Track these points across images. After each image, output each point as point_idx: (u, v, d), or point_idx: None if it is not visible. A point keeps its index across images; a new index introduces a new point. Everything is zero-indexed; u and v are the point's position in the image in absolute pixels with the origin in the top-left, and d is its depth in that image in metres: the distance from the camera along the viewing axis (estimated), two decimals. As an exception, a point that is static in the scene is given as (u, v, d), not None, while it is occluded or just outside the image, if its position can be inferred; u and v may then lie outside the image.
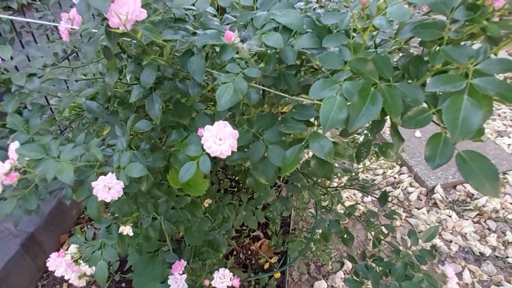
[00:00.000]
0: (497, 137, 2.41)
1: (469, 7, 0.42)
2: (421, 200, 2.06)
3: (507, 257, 1.74)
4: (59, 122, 1.00)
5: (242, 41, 0.55)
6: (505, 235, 1.84)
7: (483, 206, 1.96)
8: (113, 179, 0.65)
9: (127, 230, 0.86)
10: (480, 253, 1.77)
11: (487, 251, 1.76)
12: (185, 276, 0.98)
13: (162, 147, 0.88)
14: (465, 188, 2.08)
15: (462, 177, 0.45)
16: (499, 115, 2.60)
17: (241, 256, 1.70)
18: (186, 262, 1.01)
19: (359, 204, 2.06)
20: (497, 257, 1.76)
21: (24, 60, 0.83)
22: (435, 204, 2.03)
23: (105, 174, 0.67)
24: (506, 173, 2.13)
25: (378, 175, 2.21)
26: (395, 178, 2.18)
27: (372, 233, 1.07)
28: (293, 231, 1.77)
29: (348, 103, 0.46)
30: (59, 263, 0.78)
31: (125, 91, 0.84)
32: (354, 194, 2.11)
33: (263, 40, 0.53)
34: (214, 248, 1.21)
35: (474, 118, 0.38)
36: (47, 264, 0.79)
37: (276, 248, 1.72)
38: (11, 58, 0.77)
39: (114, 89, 0.84)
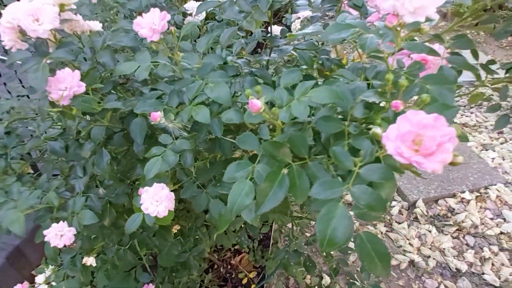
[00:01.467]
0: (482, 150, 2.43)
1: (366, 106, 0.45)
2: (402, 215, 2.09)
3: (483, 273, 1.77)
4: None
5: (177, 113, 0.58)
6: (483, 251, 1.87)
7: (462, 222, 1.99)
8: (65, 227, 0.70)
9: (90, 261, 0.92)
10: (456, 269, 1.80)
11: (464, 267, 1.79)
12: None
13: (127, 180, 0.92)
14: (447, 202, 2.11)
15: (358, 257, 0.49)
16: (486, 128, 2.61)
17: (221, 270, 1.76)
18: (154, 286, 1.06)
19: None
20: (473, 273, 1.80)
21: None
22: (416, 218, 2.06)
23: (60, 219, 0.72)
24: (488, 188, 2.15)
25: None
26: (378, 191, 2.20)
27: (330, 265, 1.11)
28: (272, 246, 1.82)
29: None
30: (23, 296, 0.84)
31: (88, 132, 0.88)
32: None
33: (192, 114, 0.57)
34: (186, 268, 1.26)
35: (342, 229, 0.40)
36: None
37: (256, 263, 1.77)
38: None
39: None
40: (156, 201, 0.61)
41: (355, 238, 0.52)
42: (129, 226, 0.66)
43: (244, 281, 1.68)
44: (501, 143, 2.49)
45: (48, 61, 0.61)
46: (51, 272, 0.94)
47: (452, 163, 0.32)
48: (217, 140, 0.63)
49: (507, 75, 0.65)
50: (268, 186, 0.48)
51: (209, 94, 0.58)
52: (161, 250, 1.18)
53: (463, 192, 2.13)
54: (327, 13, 0.83)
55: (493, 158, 2.35)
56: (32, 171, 1.08)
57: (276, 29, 1.11)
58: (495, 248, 1.86)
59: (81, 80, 0.64)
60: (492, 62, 0.68)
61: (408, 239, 1.97)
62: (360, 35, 0.46)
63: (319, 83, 0.53)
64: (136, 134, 0.63)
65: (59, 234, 0.70)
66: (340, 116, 0.53)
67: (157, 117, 0.53)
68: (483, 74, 0.73)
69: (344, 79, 0.53)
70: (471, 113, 2.82)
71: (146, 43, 0.72)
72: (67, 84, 0.57)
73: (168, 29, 0.60)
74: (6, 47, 0.62)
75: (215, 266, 1.77)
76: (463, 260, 1.83)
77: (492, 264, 1.80)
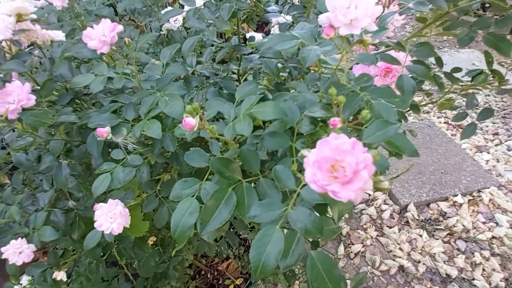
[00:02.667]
0: (476, 152, 2.40)
1: (312, 121, 0.43)
2: (393, 219, 2.07)
3: (473, 279, 1.75)
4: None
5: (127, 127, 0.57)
6: (474, 256, 1.84)
7: (454, 226, 1.96)
8: (23, 243, 0.68)
9: (61, 275, 0.90)
10: (446, 274, 1.78)
11: (454, 273, 1.77)
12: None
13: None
14: (438, 206, 2.08)
15: (308, 276, 0.47)
16: (481, 129, 2.58)
17: (208, 276, 1.74)
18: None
19: (331, 221, 2.07)
20: (463, 279, 1.77)
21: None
22: (407, 222, 2.04)
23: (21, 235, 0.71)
24: (481, 191, 2.13)
25: (352, 191, 2.22)
26: (369, 195, 2.18)
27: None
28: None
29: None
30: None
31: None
32: (327, 212, 2.12)
33: (144, 129, 0.55)
34: (166, 278, 1.25)
35: (276, 254, 0.38)
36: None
37: (243, 269, 1.75)
38: None
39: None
40: (110, 218, 0.59)
41: (308, 257, 0.50)
42: (87, 243, 0.65)
43: (231, 287, 1.66)
44: (496, 145, 2.46)
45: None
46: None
47: (378, 189, 0.30)
48: (174, 154, 0.61)
49: (472, 82, 0.63)
50: (214, 204, 0.46)
51: (162, 108, 0.56)
52: (139, 261, 1.17)
53: (456, 195, 2.11)
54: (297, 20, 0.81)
55: (487, 161, 2.32)
56: (9, 181, 1.07)
57: (258, 37, 1.10)
58: (487, 253, 1.83)
59: (37, 92, 0.62)
60: (458, 69, 0.66)
61: (398, 244, 1.94)
62: (304, 47, 0.44)
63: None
64: (93, 148, 0.62)
65: (17, 251, 0.68)
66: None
67: (103, 133, 0.51)
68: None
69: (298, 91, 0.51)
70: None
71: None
72: (15, 97, 0.56)
73: (122, 39, 0.58)
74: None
75: (202, 272, 1.75)
76: (453, 265, 1.81)
77: (483, 270, 1.77)
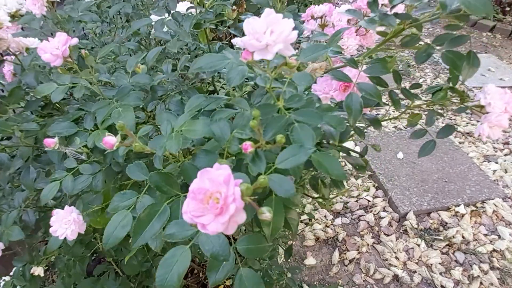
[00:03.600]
0: (484, 161, 2.33)
1: (240, 142, 0.44)
2: (391, 227, 2.03)
3: (470, 293, 1.71)
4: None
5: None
6: (472, 269, 1.79)
7: (453, 237, 1.91)
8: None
9: (38, 271, 0.93)
10: (442, 286, 1.74)
11: (450, 285, 1.73)
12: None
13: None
14: (439, 216, 2.04)
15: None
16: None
17: (200, 275, 1.76)
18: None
19: (328, 226, 2.06)
20: (459, 292, 1.73)
21: None
22: (405, 231, 2.00)
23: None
24: (485, 202, 2.06)
25: (352, 197, 2.19)
26: (369, 201, 2.16)
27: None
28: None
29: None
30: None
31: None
32: (325, 216, 2.11)
33: (95, 140, 0.56)
34: (151, 277, 1.27)
35: (181, 273, 0.38)
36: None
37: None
38: None
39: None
40: (65, 224, 0.61)
41: (236, 274, 0.50)
42: (50, 246, 0.67)
43: (221, 287, 1.68)
44: (505, 155, 2.38)
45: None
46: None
47: (261, 220, 0.30)
48: (124, 165, 0.63)
49: (428, 99, 0.61)
50: (147, 218, 0.47)
51: (114, 119, 0.58)
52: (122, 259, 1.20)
53: (458, 205, 2.05)
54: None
55: (494, 171, 2.25)
56: None
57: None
58: (486, 266, 1.78)
59: (5, 98, 0.65)
60: (417, 85, 0.64)
61: (395, 252, 1.91)
62: (233, 68, 0.44)
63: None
64: (53, 156, 0.64)
65: (-15, 249, 0.72)
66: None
67: (50, 143, 0.53)
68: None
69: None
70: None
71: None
72: (-24, 106, 0.59)
73: (79, 52, 0.60)
74: None
75: (195, 271, 1.77)
76: (450, 278, 1.77)
77: (481, 283, 1.72)
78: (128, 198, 0.50)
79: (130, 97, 0.63)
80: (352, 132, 0.70)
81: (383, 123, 0.75)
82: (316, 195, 0.82)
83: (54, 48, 0.56)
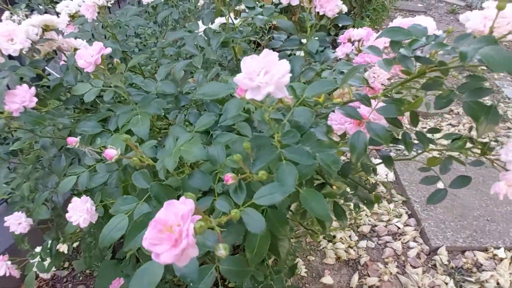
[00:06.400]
0: (535, 205, 2.13)
1: (232, 169, 0.46)
2: (419, 259, 1.94)
3: None
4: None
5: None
6: (501, 320, 1.66)
7: (486, 281, 1.78)
8: (22, 217, 0.81)
9: (63, 248, 1.02)
10: (464, 332, 1.63)
11: (473, 333, 1.62)
12: (119, 293, 1.12)
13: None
14: (475, 256, 1.90)
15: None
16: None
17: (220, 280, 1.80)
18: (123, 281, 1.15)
19: (352, 247, 2.01)
20: None
21: None
22: (434, 266, 1.90)
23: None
24: (529, 250, 1.90)
25: (382, 221, 2.12)
26: (399, 228, 2.07)
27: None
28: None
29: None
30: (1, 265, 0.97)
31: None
32: (349, 236, 2.06)
33: (113, 143, 0.62)
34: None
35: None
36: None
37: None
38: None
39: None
40: (79, 212, 0.67)
41: None
42: (67, 229, 0.74)
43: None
44: None
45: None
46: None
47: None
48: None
49: (445, 145, 0.59)
50: (141, 225, 0.51)
51: (131, 126, 0.62)
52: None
53: (498, 248, 1.91)
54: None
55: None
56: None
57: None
58: (517, 320, 1.64)
59: (48, 93, 0.73)
60: (436, 130, 0.62)
61: (419, 287, 1.82)
62: (232, 99, 0.46)
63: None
64: (78, 150, 0.70)
65: (16, 222, 0.80)
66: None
67: (72, 141, 0.58)
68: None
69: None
70: None
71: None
72: (20, 98, 0.66)
73: (111, 60, 0.65)
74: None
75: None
76: (475, 324, 1.65)
77: (509, 337, 1.59)
78: (129, 203, 0.54)
79: (151, 106, 0.67)
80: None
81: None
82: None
83: (89, 56, 0.62)
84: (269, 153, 0.44)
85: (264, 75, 0.39)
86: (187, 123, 0.69)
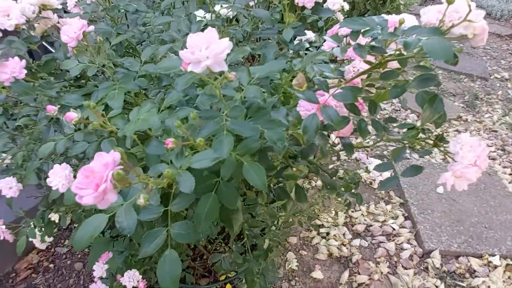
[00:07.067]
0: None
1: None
2: (412, 261, 1.93)
3: None
4: None
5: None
6: (489, 327, 1.65)
7: (477, 287, 1.77)
8: (13, 181, 0.87)
9: (55, 217, 1.09)
10: (450, 336, 1.63)
11: (459, 337, 1.61)
12: (107, 266, 1.18)
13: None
14: (469, 261, 1.89)
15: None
16: (555, 192, 2.22)
17: (208, 262, 1.85)
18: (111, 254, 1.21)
19: (345, 245, 2.03)
20: None
21: None
22: (426, 269, 1.89)
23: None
24: (525, 260, 1.87)
25: (377, 221, 2.12)
26: (393, 229, 2.07)
27: None
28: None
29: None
30: None
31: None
32: (343, 234, 2.07)
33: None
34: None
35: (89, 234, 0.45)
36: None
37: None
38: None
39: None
40: (59, 178, 0.73)
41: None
42: (51, 195, 0.80)
43: (222, 277, 1.76)
44: None
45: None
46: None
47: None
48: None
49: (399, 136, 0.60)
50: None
51: (108, 99, 0.67)
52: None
53: (493, 255, 1.89)
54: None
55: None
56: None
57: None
58: (505, 329, 1.63)
59: (40, 67, 0.79)
60: (392, 119, 0.64)
61: (408, 288, 1.82)
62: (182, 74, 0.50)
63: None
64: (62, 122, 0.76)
65: (8, 186, 0.87)
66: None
67: (51, 109, 0.63)
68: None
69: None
70: None
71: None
72: (10, 69, 0.72)
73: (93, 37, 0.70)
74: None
75: (204, 257, 1.87)
76: (461, 329, 1.65)
77: None
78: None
79: (131, 83, 0.72)
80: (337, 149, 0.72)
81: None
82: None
83: (72, 32, 0.67)
84: (214, 124, 0.48)
85: (205, 50, 0.43)
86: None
